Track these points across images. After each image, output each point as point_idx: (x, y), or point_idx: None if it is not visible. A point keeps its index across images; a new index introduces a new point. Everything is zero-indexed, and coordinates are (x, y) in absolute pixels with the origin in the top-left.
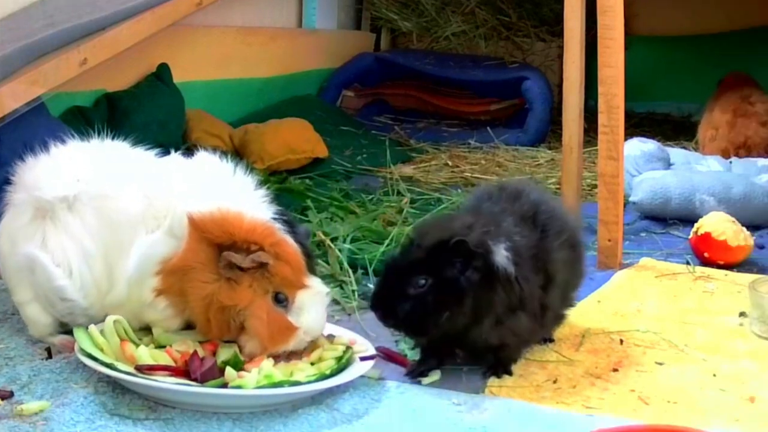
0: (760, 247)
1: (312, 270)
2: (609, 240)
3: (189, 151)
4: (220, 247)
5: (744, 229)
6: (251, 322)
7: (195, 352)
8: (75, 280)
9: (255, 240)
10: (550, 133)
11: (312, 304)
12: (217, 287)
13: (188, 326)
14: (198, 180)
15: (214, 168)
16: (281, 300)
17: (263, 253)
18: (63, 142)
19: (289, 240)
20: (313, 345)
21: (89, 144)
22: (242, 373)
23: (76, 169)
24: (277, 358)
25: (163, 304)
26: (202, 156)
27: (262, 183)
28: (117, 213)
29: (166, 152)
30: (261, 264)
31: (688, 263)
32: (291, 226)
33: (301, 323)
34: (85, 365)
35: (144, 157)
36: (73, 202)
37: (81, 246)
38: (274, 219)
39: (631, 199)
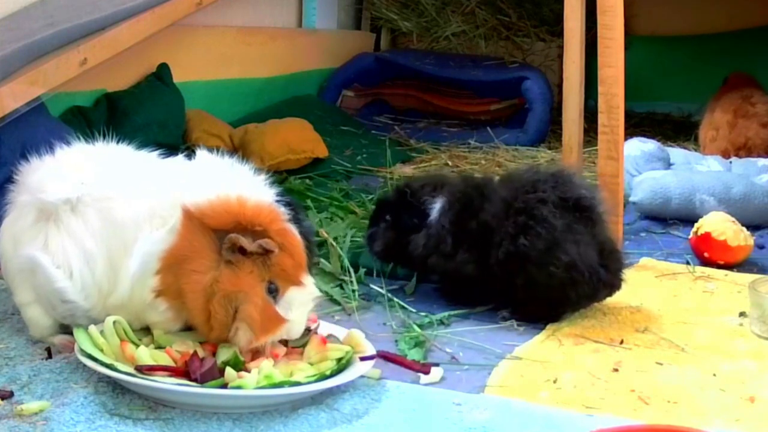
0: (760, 247)
1: (309, 267)
2: None
3: (190, 151)
4: (218, 232)
5: (744, 229)
6: (245, 307)
7: (195, 353)
8: (76, 282)
9: (260, 222)
10: (550, 133)
11: (300, 304)
12: (218, 274)
13: (188, 327)
14: (200, 176)
15: (215, 164)
16: (273, 290)
17: (270, 241)
18: (65, 142)
19: (294, 231)
20: (310, 345)
21: (93, 146)
22: (242, 373)
23: (80, 172)
24: (257, 353)
25: (164, 306)
26: (203, 154)
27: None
28: (121, 214)
29: (168, 153)
30: (266, 251)
31: (688, 263)
32: (296, 213)
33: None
34: (85, 365)
35: (147, 158)
36: (77, 204)
37: (83, 248)
38: (279, 202)
39: (631, 199)
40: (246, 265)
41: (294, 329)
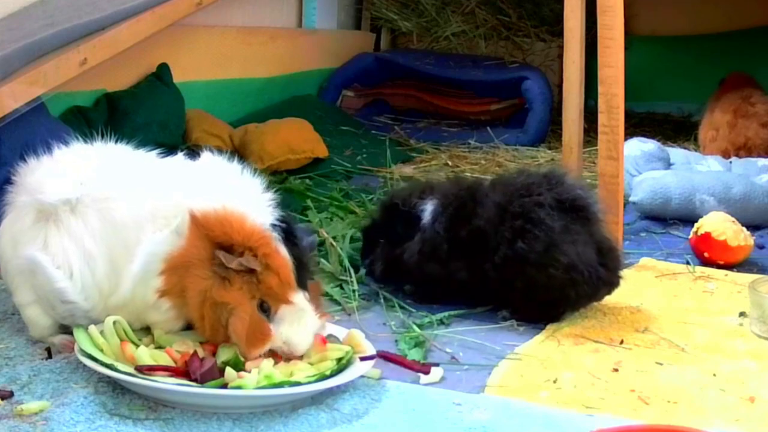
0: (760, 247)
1: (304, 284)
2: None
3: (190, 151)
4: (219, 245)
5: (744, 229)
6: (232, 320)
7: (195, 353)
8: (76, 282)
9: (251, 245)
10: (550, 133)
11: (292, 320)
12: (211, 284)
13: (188, 327)
14: (207, 179)
15: (222, 168)
16: (265, 309)
17: (251, 258)
18: (64, 142)
19: (284, 251)
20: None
21: (92, 146)
22: (242, 373)
23: (79, 172)
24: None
25: (166, 305)
26: (209, 156)
27: (268, 186)
28: (121, 214)
29: (168, 153)
30: (249, 269)
31: (688, 263)
32: (293, 235)
33: (279, 334)
34: (85, 365)
35: (148, 158)
36: (76, 204)
37: (82, 248)
38: (275, 226)
39: (631, 199)
40: (236, 281)
41: (292, 342)
